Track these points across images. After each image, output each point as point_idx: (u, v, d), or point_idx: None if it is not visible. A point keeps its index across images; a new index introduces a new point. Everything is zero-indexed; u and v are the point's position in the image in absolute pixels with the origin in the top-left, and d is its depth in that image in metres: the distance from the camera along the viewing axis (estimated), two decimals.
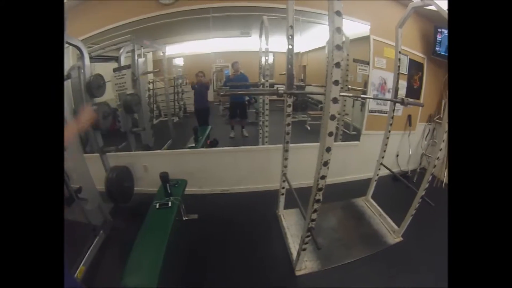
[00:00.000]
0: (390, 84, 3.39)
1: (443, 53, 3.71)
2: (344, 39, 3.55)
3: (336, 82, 1.39)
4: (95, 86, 2.83)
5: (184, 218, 2.62)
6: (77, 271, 2.14)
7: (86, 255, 2.33)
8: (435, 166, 2.23)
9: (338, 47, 1.36)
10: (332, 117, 1.45)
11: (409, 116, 4.01)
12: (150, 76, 3.96)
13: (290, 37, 2.15)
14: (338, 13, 1.35)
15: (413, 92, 3.95)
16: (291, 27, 2.16)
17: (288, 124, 2.46)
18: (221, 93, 1.67)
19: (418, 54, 3.85)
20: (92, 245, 2.46)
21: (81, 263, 2.23)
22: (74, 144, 2.52)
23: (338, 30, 1.36)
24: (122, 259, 1.89)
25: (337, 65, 1.37)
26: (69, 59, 3.13)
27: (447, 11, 1.91)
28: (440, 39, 3.70)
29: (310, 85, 3.99)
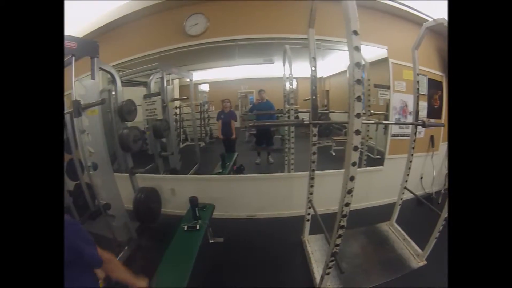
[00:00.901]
0: (411, 107, 3.41)
1: None
2: (363, 62, 3.63)
3: (358, 115, 1.47)
4: (126, 111, 2.97)
5: (210, 241, 2.70)
6: (99, 282, 2.23)
7: None
8: None
9: (359, 82, 1.44)
10: (355, 148, 1.52)
11: (432, 137, 3.99)
12: (177, 102, 4.13)
13: (313, 68, 2.26)
14: (357, 49, 1.43)
15: (434, 112, 3.95)
16: (314, 58, 2.27)
17: (314, 153, 2.52)
18: (249, 124, 1.77)
19: (436, 73, 3.88)
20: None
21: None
22: (105, 163, 2.65)
23: (358, 65, 1.44)
24: (145, 275, 1.98)
25: (358, 98, 1.45)
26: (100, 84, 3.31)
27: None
28: None
29: (334, 111, 4.06)
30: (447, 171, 4.17)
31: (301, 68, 3.51)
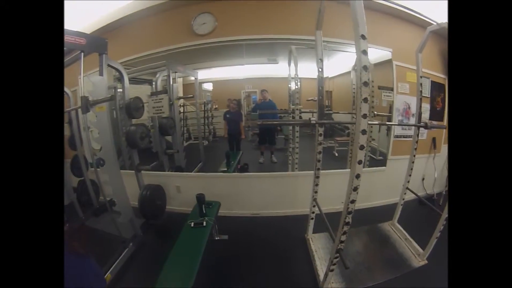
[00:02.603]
0: (414, 109, 3.44)
1: None
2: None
3: (364, 116, 1.51)
4: (134, 108, 3.01)
5: (215, 238, 2.73)
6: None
7: (114, 265, 2.46)
8: None
9: (366, 84, 1.49)
10: (361, 147, 1.57)
11: (434, 139, 4.02)
12: (181, 100, 4.18)
13: (320, 69, 2.31)
14: (365, 52, 1.48)
15: (437, 114, 3.97)
16: (321, 60, 2.31)
17: (320, 152, 2.56)
18: (258, 122, 1.82)
19: (439, 75, 3.90)
20: (121, 256, 2.59)
21: (108, 271, 2.37)
22: (112, 159, 2.66)
23: (365, 68, 1.49)
24: (149, 271, 2.02)
25: (365, 100, 1.50)
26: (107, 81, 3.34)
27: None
28: None
29: (338, 112, 4.09)
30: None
31: (304, 69, 3.56)
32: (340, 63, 3.91)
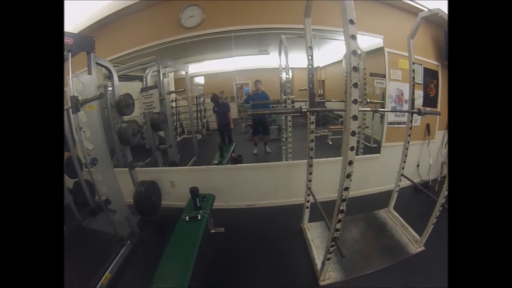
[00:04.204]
0: (407, 95, 3.43)
1: None
2: (359, 52, 3.64)
3: (355, 101, 1.50)
4: (124, 105, 2.99)
5: (212, 231, 2.73)
6: (103, 277, 2.26)
7: (113, 263, 2.45)
8: None
9: (355, 69, 1.47)
10: (353, 133, 1.55)
11: (428, 125, 4.01)
12: (173, 95, 4.15)
13: (310, 57, 2.28)
14: (353, 37, 1.46)
15: (430, 100, 3.96)
16: (310, 47, 2.29)
17: (312, 140, 2.56)
18: (248, 113, 1.80)
19: (432, 62, 3.89)
20: (119, 254, 2.58)
21: (107, 270, 2.35)
22: (105, 158, 2.67)
23: (354, 53, 1.47)
24: (148, 268, 2.01)
25: (355, 85, 1.48)
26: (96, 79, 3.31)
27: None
28: None
29: (330, 100, 4.07)
30: (443, 159, 4.22)
31: (296, 58, 3.54)
32: (332, 51, 3.88)
